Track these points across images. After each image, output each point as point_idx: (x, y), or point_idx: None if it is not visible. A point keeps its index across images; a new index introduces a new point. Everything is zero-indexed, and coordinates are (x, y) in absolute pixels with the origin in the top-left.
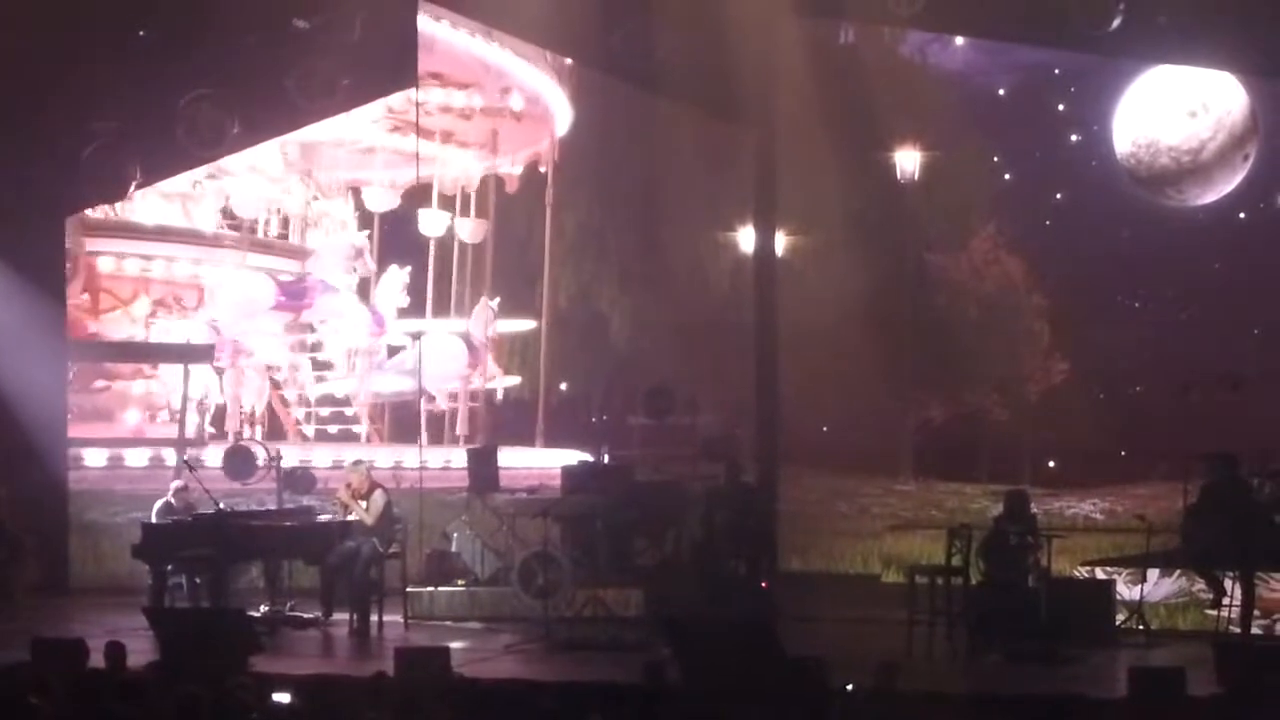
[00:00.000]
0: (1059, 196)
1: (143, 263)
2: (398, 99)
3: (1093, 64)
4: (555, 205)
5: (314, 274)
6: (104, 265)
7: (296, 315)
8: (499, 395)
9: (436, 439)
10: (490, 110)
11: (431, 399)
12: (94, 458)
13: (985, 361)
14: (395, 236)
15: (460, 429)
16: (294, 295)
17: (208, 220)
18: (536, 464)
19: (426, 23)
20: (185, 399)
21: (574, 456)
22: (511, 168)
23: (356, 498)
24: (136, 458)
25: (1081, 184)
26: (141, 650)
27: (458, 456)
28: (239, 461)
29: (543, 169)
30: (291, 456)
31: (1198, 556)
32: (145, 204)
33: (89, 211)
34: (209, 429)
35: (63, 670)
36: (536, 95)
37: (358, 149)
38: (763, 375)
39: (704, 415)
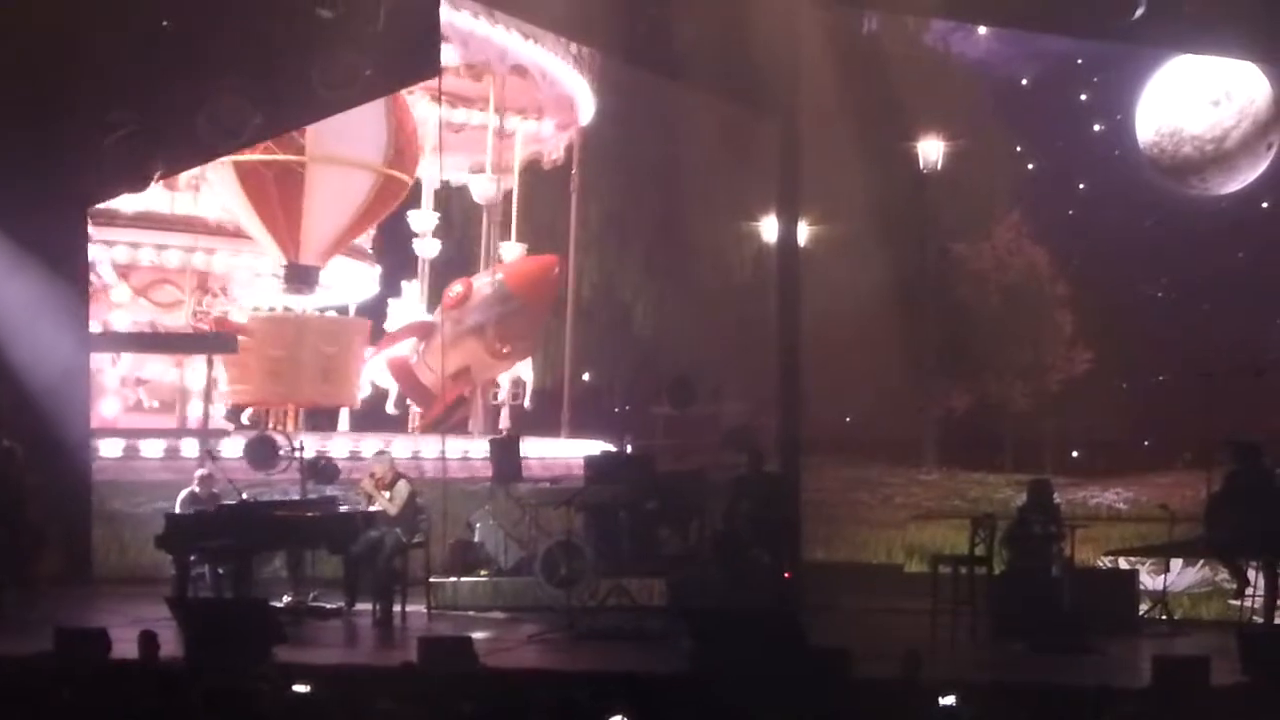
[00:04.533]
0: (1082, 186)
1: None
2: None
3: (1116, 53)
4: (579, 195)
5: None
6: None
7: None
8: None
9: None
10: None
11: None
12: (115, 448)
13: (1008, 351)
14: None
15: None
16: None
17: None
18: (559, 454)
19: (450, 13)
20: (209, 388)
21: (597, 447)
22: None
23: (380, 488)
24: (154, 448)
25: (1105, 173)
26: (165, 640)
27: (479, 447)
28: (261, 451)
29: (556, 158)
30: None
31: (1221, 546)
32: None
33: None
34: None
35: (86, 660)
36: (555, 79)
37: None
38: (786, 365)
39: (727, 405)
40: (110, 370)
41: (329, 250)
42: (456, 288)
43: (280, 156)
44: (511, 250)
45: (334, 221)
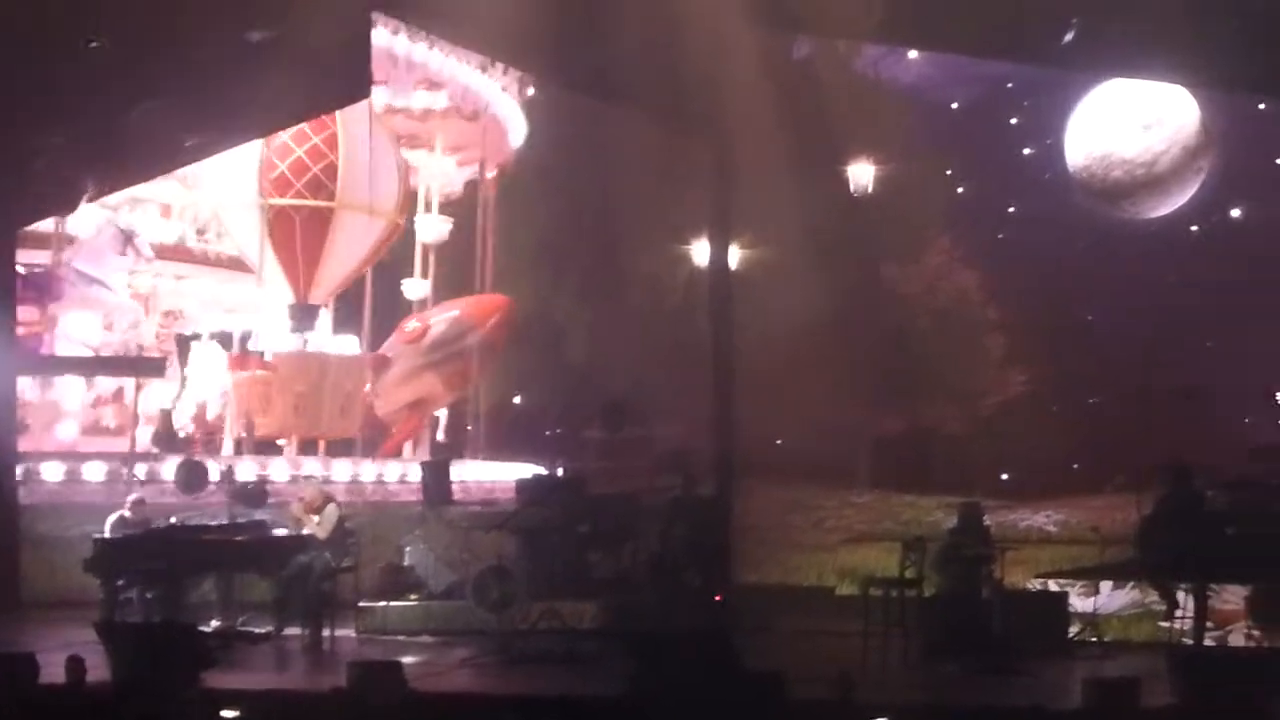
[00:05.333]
0: (1012, 209)
1: None
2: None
3: (1046, 78)
4: (511, 218)
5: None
6: None
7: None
8: None
9: None
10: (444, 113)
11: None
12: (46, 471)
13: (940, 374)
14: None
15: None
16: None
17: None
18: (491, 477)
19: (380, 35)
20: (135, 412)
21: (528, 470)
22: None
23: (309, 511)
24: (87, 471)
25: (1034, 197)
26: (93, 665)
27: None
28: (190, 475)
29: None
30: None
31: (1151, 568)
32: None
33: None
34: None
35: (13, 686)
36: (485, 100)
37: None
38: (718, 388)
39: (660, 428)
40: (72, 393)
41: (333, 291)
42: (413, 323)
43: (311, 202)
44: (416, 287)
45: (347, 265)
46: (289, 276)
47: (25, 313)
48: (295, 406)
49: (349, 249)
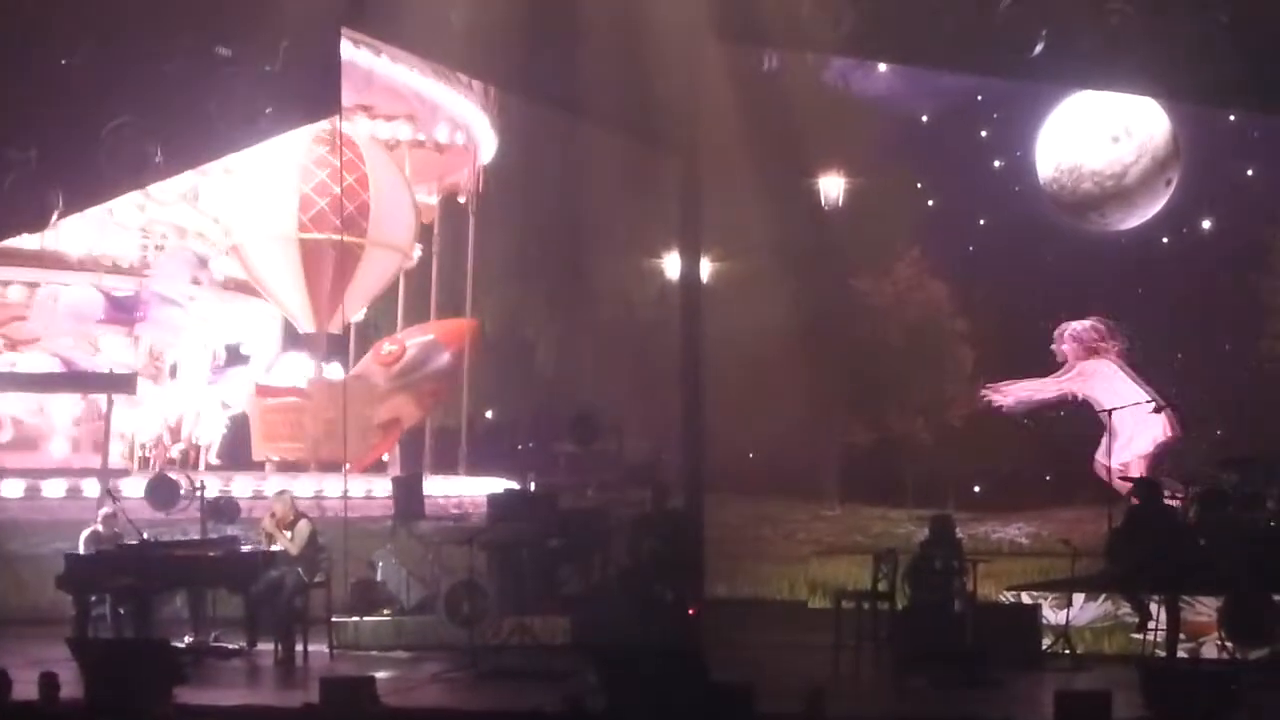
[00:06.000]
0: (982, 222)
1: None
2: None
3: (1015, 90)
4: (480, 233)
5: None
6: None
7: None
8: None
9: None
10: (414, 144)
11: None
12: (13, 488)
13: (910, 386)
14: None
15: None
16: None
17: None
18: (462, 492)
19: (353, 51)
20: (108, 429)
21: (500, 484)
22: (428, 197)
23: (281, 527)
24: (55, 488)
25: (1004, 209)
26: (66, 681)
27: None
28: (162, 491)
29: (462, 198)
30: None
31: (1123, 580)
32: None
33: None
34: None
35: None
36: (462, 123)
37: None
38: (689, 401)
39: (630, 442)
40: (61, 411)
41: (348, 321)
42: (389, 346)
43: (348, 238)
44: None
45: (365, 297)
46: (314, 307)
47: (112, 333)
48: (327, 433)
49: (371, 282)
